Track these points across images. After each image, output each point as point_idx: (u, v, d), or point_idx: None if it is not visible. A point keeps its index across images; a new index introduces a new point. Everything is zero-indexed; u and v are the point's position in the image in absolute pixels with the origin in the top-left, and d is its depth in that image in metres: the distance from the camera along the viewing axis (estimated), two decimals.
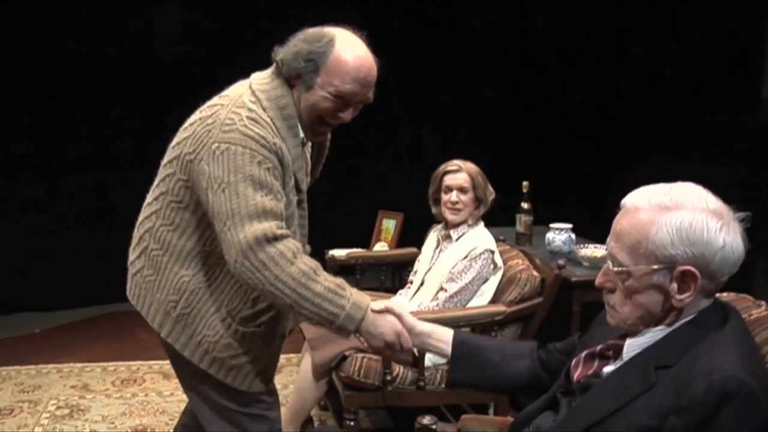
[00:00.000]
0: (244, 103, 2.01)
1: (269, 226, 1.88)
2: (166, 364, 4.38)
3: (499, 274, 3.24)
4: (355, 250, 4.34)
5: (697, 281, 1.43)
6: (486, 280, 3.22)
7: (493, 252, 3.22)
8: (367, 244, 4.97)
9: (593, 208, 4.44)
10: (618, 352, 1.55)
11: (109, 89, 5.46)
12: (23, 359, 4.46)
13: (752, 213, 1.47)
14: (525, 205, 3.84)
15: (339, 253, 4.19)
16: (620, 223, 1.51)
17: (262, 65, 2.14)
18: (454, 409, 3.34)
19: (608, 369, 1.55)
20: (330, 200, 6.22)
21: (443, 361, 3.14)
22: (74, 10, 5.21)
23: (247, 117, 1.97)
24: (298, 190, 2.11)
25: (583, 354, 1.63)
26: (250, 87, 2.06)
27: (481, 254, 3.19)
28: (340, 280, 1.95)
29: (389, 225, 4.97)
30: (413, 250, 4.00)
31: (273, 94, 2.05)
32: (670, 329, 1.48)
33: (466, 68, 6.32)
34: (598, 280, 1.55)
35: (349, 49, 2.01)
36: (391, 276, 4.33)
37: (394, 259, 4.22)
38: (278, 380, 4.12)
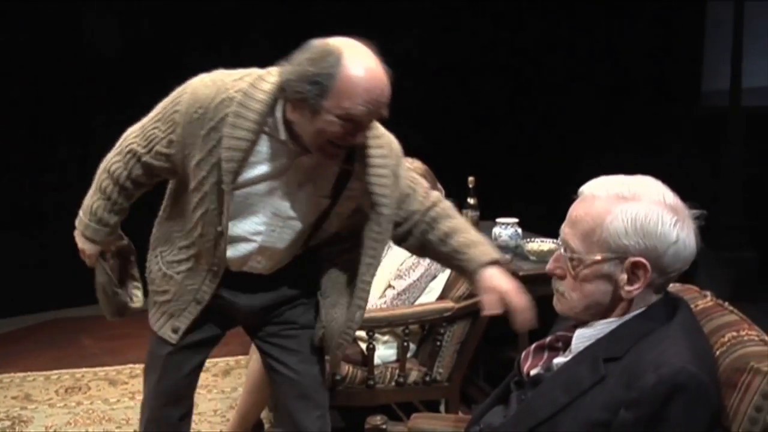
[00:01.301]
0: (231, 73, 2.03)
1: (115, 162, 2.17)
2: (111, 371, 4.32)
3: (448, 271, 3.24)
4: None
5: (647, 273, 1.44)
6: (434, 277, 3.22)
7: None
8: None
9: (539, 202, 4.50)
10: (567, 343, 1.56)
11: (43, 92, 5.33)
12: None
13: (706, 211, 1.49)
14: (471, 201, 3.85)
15: None
16: (576, 209, 1.51)
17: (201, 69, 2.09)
18: (405, 407, 3.34)
19: (558, 360, 1.56)
20: None
21: (393, 358, 3.14)
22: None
23: (216, 76, 2.02)
24: (221, 173, 2.00)
25: (533, 346, 1.63)
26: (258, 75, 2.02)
27: None
28: None
29: None
30: None
31: (259, 93, 1.96)
32: (619, 322, 1.48)
33: (412, 63, 6.31)
34: (548, 266, 1.55)
35: (359, 67, 1.84)
36: None
37: None
38: (227, 383, 4.10)
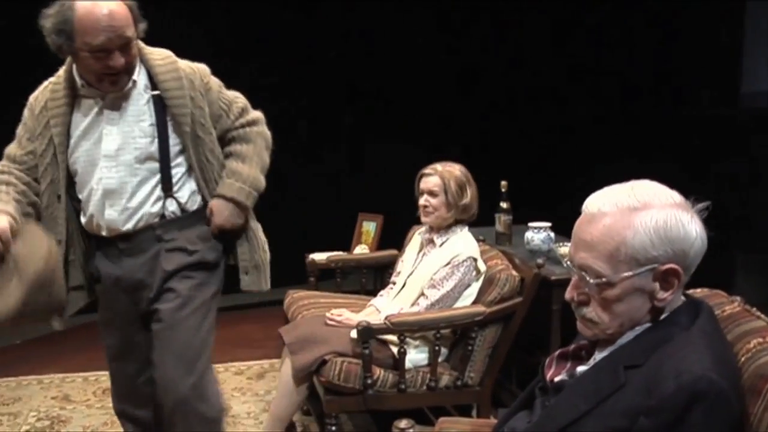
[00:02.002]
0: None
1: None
2: None
3: (482, 279, 3.21)
4: (335, 253, 4.34)
5: (680, 278, 1.43)
6: (468, 286, 3.19)
7: (476, 259, 3.19)
8: (347, 247, 4.97)
9: (572, 206, 4.45)
10: (590, 352, 1.54)
11: None
12: (3, 371, 4.41)
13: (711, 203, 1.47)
14: (504, 205, 3.84)
15: (319, 257, 4.19)
16: (588, 231, 1.46)
17: None
18: (437, 412, 3.33)
19: (581, 369, 1.54)
20: (310, 204, 6.24)
21: (424, 363, 3.14)
22: None
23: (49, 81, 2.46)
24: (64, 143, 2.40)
25: (556, 353, 1.62)
26: None
27: (463, 261, 3.15)
28: None
29: (369, 227, 4.97)
30: (393, 252, 3.99)
31: (60, 71, 2.41)
32: (641, 329, 1.47)
33: (446, 67, 6.32)
34: (567, 295, 1.51)
35: (86, 6, 2.17)
36: (373, 279, 4.31)
37: (374, 261, 4.22)
38: (261, 385, 4.13)
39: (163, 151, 2.41)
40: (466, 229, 3.32)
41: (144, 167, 2.41)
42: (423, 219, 3.33)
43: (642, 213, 1.42)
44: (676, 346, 1.39)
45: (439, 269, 3.19)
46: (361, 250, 4.88)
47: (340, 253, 4.43)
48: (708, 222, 1.46)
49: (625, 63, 5.91)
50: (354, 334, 3.01)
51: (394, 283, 3.50)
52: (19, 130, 2.49)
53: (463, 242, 3.25)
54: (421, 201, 3.29)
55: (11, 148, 2.50)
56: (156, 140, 2.40)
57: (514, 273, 3.17)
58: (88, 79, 2.31)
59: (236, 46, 5.57)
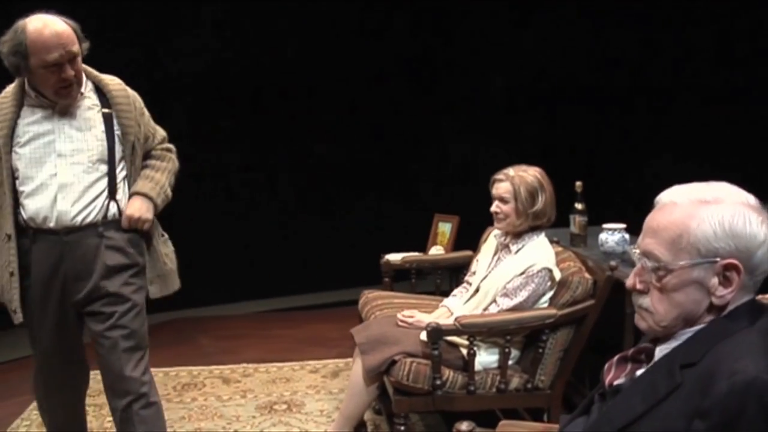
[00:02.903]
0: None
1: None
2: (226, 369, 4.48)
3: (555, 288, 3.14)
4: (410, 254, 4.35)
5: (740, 275, 1.39)
6: (542, 295, 3.13)
7: (551, 270, 3.11)
8: (423, 247, 4.97)
9: (649, 207, 4.36)
10: (650, 355, 1.51)
11: None
12: (93, 365, 4.57)
13: None
14: (579, 206, 3.78)
15: (394, 257, 4.20)
16: (656, 219, 1.47)
17: None
18: (508, 413, 3.30)
19: (640, 372, 1.52)
20: (387, 205, 6.28)
21: (494, 365, 3.12)
22: None
23: None
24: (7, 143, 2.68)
25: (616, 357, 1.59)
26: None
27: (538, 272, 3.08)
28: None
29: (445, 228, 4.96)
30: (469, 253, 3.98)
31: (9, 87, 2.74)
32: (699, 327, 1.43)
33: (521, 68, 6.27)
34: (628, 282, 1.51)
35: (37, 29, 2.52)
36: (448, 280, 4.30)
37: (449, 262, 4.21)
38: (335, 384, 4.18)
39: (111, 156, 2.77)
40: (542, 235, 3.25)
41: (96, 168, 2.74)
42: (496, 225, 3.30)
43: (711, 206, 1.41)
44: (733, 344, 1.36)
45: (513, 278, 3.12)
46: (436, 251, 4.88)
47: (415, 253, 4.43)
48: None
49: (714, 64, 5.77)
50: (424, 335, 3.02)
51: (469, 284, 3.48)
52: None
53: (539, 251, 3.18)
54: (493, 207, 3.26)
55: None
56: (106, 146, 2.76)
57: (587, 276, 3.11)
58: (44, 92, 2.66)
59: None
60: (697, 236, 1.40)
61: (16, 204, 2.70)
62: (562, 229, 3.81)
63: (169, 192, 2.95)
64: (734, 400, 1.27)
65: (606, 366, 1.61)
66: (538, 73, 6.27)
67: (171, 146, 3.05)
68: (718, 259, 1.39)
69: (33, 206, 2.68)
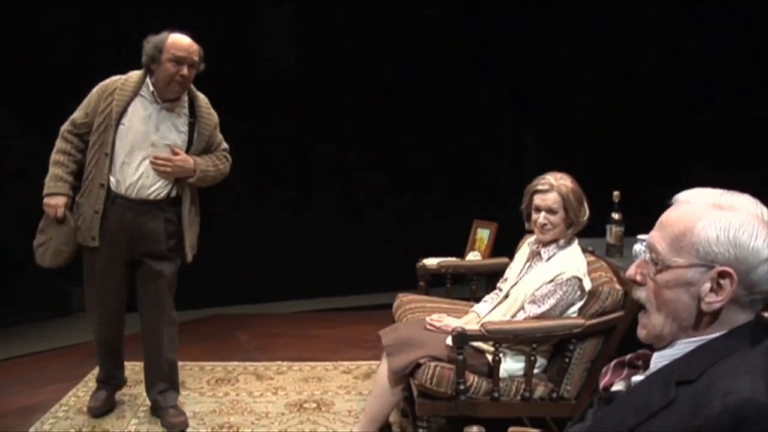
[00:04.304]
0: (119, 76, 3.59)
1: (64, 125, 3.57)
2: (260, 366, 4.54)
3: (586, 298, 3.11)
4: (447, 258, 4.35)
5: (733, 285, 1.36)
6: (572, 305, 3.10)
7: (581, 279, 3.08)
8: (462, 253, 4.96)
9: None
10: (647, 362, 1.50)
11: None
12: (130, 356, 4.67)
13: None
14: (616, 216, 3.73)
15: (430, 261, 4.21)
16: (667, 214, 1.47)
17: None
18: (536, 422, 3.27)
19: (636, 378, 1.50)
20: (427, 210, 6.29)
21: (520, 372, 3.11)
22: None
23: (110, 78, 3.57)
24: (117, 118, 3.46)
25: (613, 362, 1.58)
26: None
27: (567, 280, 3.06)
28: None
29: (483, 234, 4.94)
30: (505, 260, 3.95)
31: (134, 73, 3.53)
32: (699, 343, 1.41)
33: (561, 76, 6.23)
34: (629, 271, 1.50)
35: (174, 36, 3.42)
36: (484, 286, 4.29)
37: (485, 268, 4.20)
38: (366, 385, 4.21)
39: (186, 151, 3.55)
40: (575, 243, 3.23)
41: None
42: (540, 236, 3.24)
43: (722, 212, 1.39)
44: (732, 365, 1.32)
45: (541, 285, 3.11)
46: (473, 256, 4.86)
47: (452, 258, 4.43)
48: None
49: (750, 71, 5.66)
50: (450, 339, 3.02)
51: (500, 290, 3.48)
52: (85, 102, 3.55)
53: (570, 259, 3.15)
54: (540, 219, 3.18)
55: (76, 115, 3.55)
56: (185, 146, 3.56)
57: (618, 286, 3.08)
58: (159, 85, 3.44)
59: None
60: (699, 237, 1.38)
61: (110, 169, 3.46)
62: (599, 239, 3.77)
63: (209, 179, 3.66)
64: (726, 421, 1.23)
65: (603, 370, 1.60)
66: (573, 81, 6.23)
67: (228, 155, 3.77)
68: (715, 264, 1.37)
69: (122, 177, 3.47)
